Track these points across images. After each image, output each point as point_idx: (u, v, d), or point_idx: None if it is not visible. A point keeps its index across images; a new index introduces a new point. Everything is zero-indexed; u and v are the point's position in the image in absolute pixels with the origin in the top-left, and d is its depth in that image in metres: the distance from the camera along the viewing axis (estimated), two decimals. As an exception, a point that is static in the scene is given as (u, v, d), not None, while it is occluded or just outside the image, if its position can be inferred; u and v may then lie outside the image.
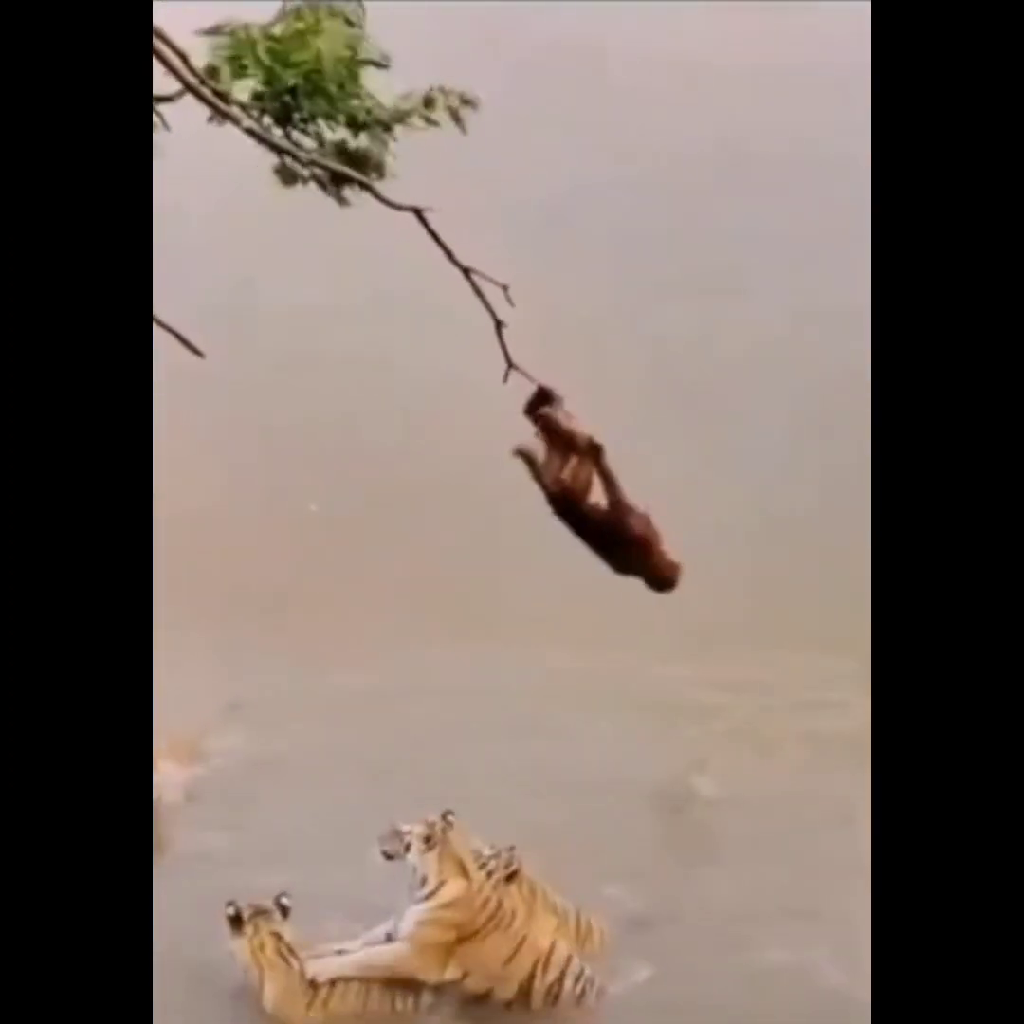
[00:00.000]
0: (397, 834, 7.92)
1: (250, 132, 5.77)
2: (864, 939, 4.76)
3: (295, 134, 5.87)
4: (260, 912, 7.95)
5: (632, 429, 13.41)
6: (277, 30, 5.72)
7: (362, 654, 11.72)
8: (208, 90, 5.69)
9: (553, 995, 7.74)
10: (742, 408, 14.22)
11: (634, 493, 11.83)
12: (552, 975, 7.76)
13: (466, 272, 6.46)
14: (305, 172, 5.86)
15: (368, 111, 5.79)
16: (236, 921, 7.93)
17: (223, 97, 5.71)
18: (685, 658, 11.53)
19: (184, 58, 5.69)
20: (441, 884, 7.81)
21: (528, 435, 10.56)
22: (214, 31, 5.77)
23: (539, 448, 10.38)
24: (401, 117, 5.83)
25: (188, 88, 5.69)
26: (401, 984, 7.80)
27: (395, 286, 12.23)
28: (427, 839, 7.83)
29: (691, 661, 11.53)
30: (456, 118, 5.91)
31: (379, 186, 5.99)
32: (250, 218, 9.53)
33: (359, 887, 8.34)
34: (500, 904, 7.79)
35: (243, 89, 5.74)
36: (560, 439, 10.50)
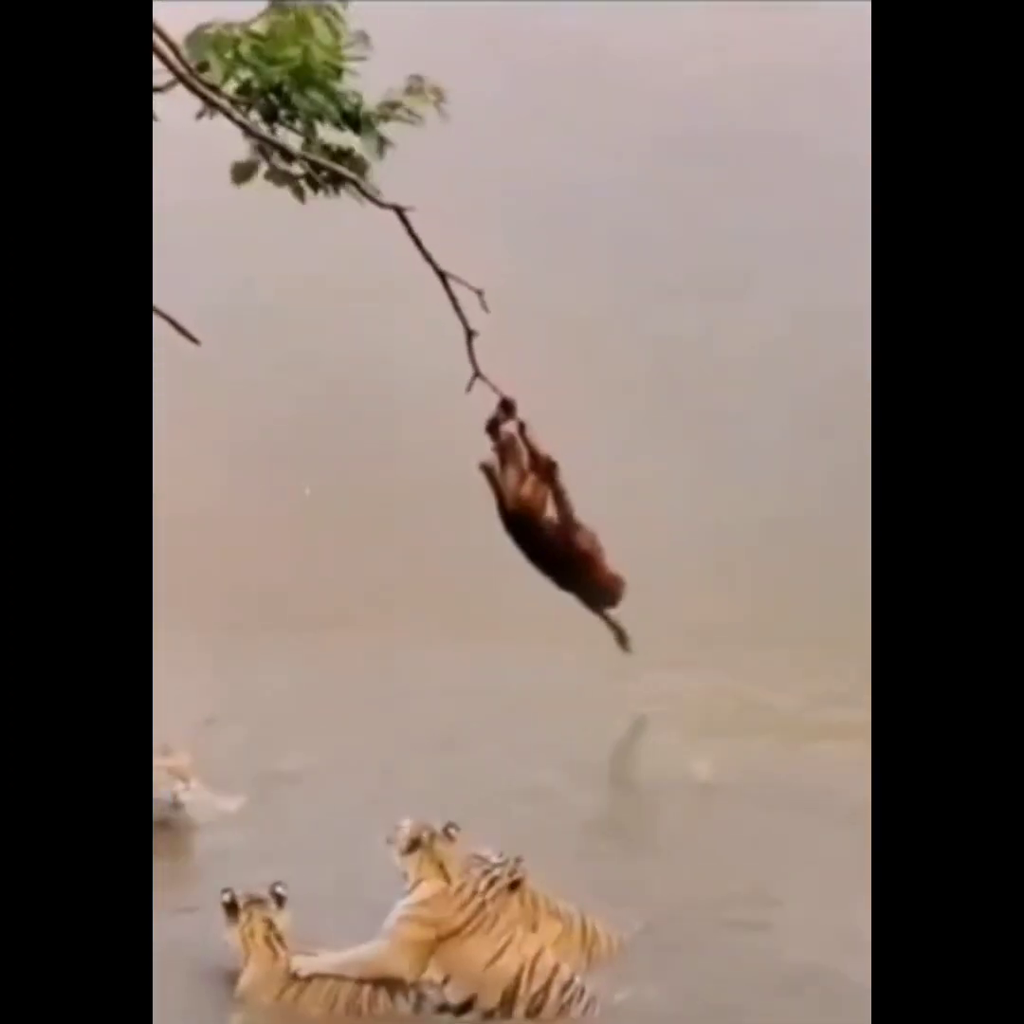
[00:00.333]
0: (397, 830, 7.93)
1: (241, 126, 5.80)
2: (867, 935, 4.76)
3: (280, 131, 5.90)
4: (255, 901, 7.97)
5: (630, 430, 13.48)
6: (260, 28, 5.76)
7: (364, 653, 11.73)
8: (200, 83, 5.72)
9: (537, 1005, 7.63)
10: (742, 409, 14.22)
11: (631, 495, 11.91)
12: (537, 983, 7.60)
13: (442, 276, 6.50)
14: (295, 169, 5.88)
15: (353, 108, 5.82)
16: (232, 908, 7.96)
17: (215, 90, 5.75)
18: (686, 656, 11.51)
19: (176, 49, 5.71)
20: (418, 882, 7.82)
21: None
22: (200, 28, 5.80)
23: (497, 463, 10.56)
24: (384, 114, 5.85)
25: (180, 79, 5.71)
26: (383, 985, 7.78)
27: (390, 282, 12.20)
28: (413, 841, 7.83)
29: (692, 659, 11.51)
30: (438, 109, 5.94)
31: (371, 184, 6.02)
32: (237, 212, 9.50)
33: (363, 887, 8.32)
34: (482, 906, 7.73)
35: (231, 85, 5.77)
36: (518, 456, 10.63)
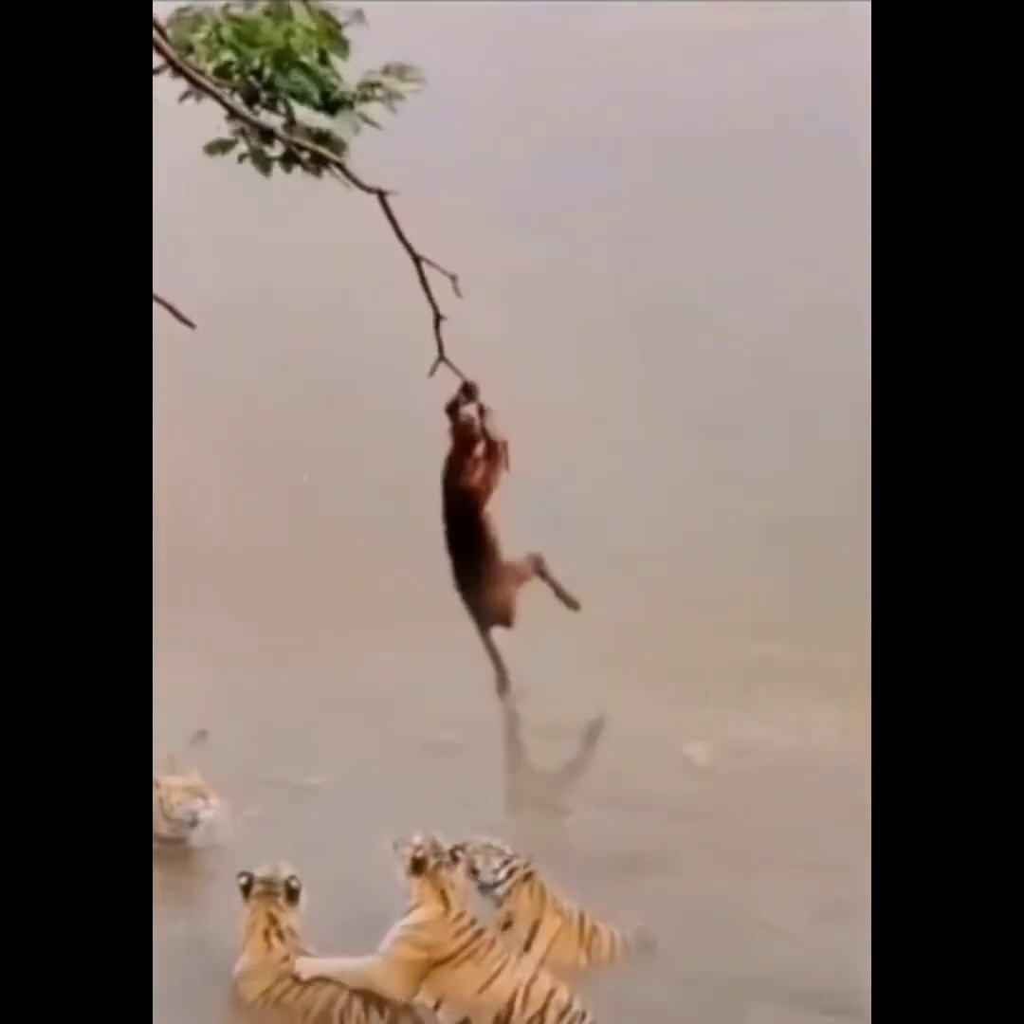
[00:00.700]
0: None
1: (227, 108, 5.82)
2: (867, 925, 4.78)
3: (262, 114, 5.92)
4: (267, 892, 7.99)
5: (624, 421, 13.47)
6: (240, 11, 5.78)
7: (368, 650, 11.72)
8: (189, 66, 5.73)
9: None
10: (730, 403, 14.18)
11: (628, 490, 11.89)
12: (533, 1008, 7.59)
13: (417, 260, 6.50)
14: (274, 150, 5.90)
15: (333, 90, 5.83)
16: (246, 891, 8.01)
17: (202, 73, 5.77)
18: (685, 651, 11.52)
19: (163, 32, 5.72)
20: (417, 905, 7.82)
21: (524, 421, 10.68)
22: (180, 12, 5.82)
23: (449, 446, 10.62)
24: (364, 95, 5.86)
25: (170, 62, 5.72)
26: (367, 998, 7.79)
27: (379, 268, 12.19)
28: (416, 863, 7.83)
29: (692, 653, 11.51)
30: (415, 92, 5.97)
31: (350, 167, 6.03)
32: (228, 201, 9.51)
33: (368, 893, 8.32)
34: (478, 935, 7.73)
35: (214, 66, 5.79)
36: (472, 440, 10.66)
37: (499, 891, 8.13)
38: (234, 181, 6.44)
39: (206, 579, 11.75)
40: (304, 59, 5.72)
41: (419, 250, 6.60)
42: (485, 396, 10.70)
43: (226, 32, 5.71)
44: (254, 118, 5.84)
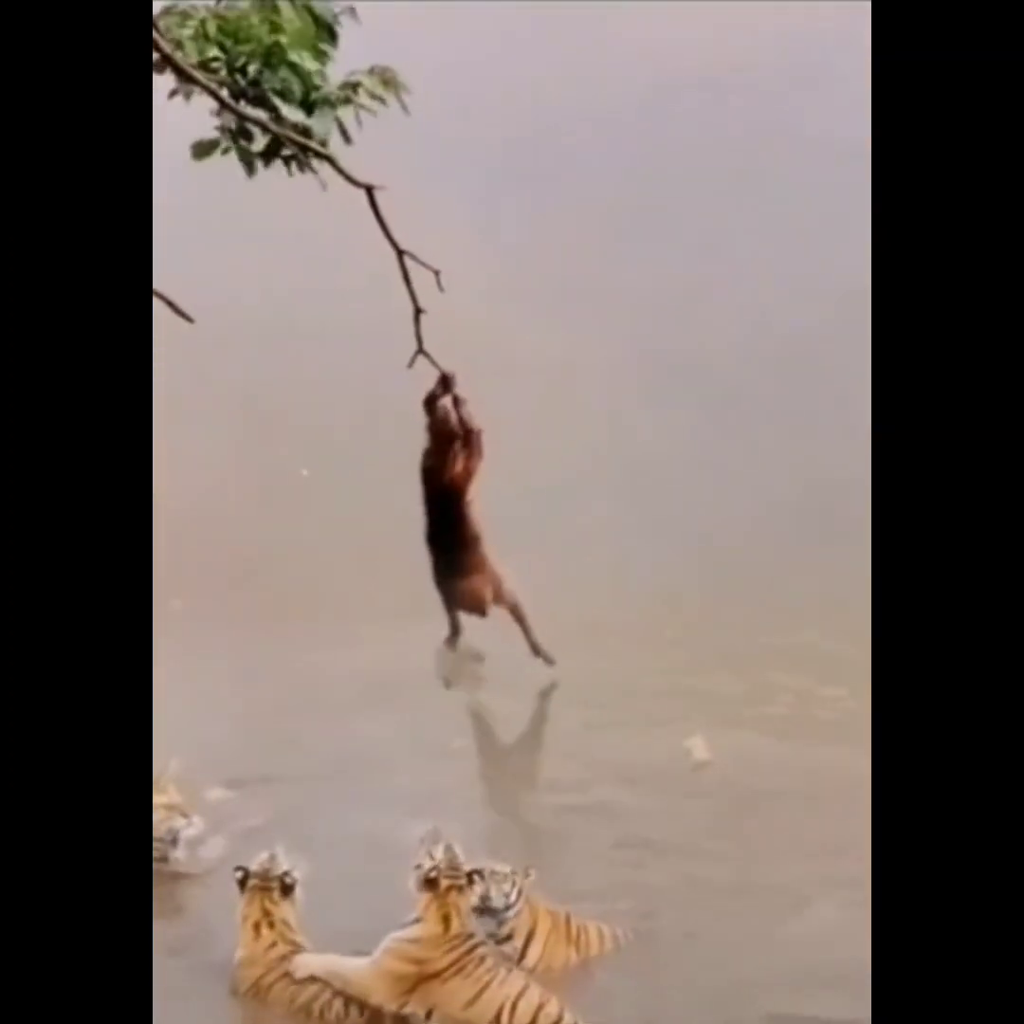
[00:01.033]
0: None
1: (221, 103, 5.82)
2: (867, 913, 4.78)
3: (248, 111, 5.92)
4: (261, 886, 8.03)
5: (619, 407, 13.46)
6: (226, 9, 5.78)
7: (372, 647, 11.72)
8: (182, 62, 5.73)
9: None
10: (725, 393, 14.17)
11: (625, 473, 11.87)
12: (521, 1021, 7.51)
13: (400, 254, 6.51)
14: (257, 146, 5.90)
15: (317, 89, 5.84)
16: (242, 883, 8.06)
17: (194, 69, 5.77)
18: (684, 645, 11.51)
19: (158, 27, 5.72)
20: (417, 920, 7.84)
21: (527, 409, 10.68)
22: (167, 8, 5.83)
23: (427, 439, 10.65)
24: (345, 96, 5.88)
25: (165, 58, 5.71)
26: (353, 998, 7.83)
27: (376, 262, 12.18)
28: (428, 881, 7.83)
29: (691, 647, 11.50)
30: (399, 99, 5.98)
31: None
32: (224, 195, 9.50)
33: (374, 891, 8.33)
34: (470, 951, 7.73)
35: (201, 62, 5.79)
36: (450, 432, 10.68)
37: (509, 914, 8.15)
38: (228, 176, 6.45)
39: (206, 575, 11.74)
40: (291, 57, 5.72)
41: (403, 246, 6.60)
42: (467, 389, 10.74)
43: (212, 28, 5.71)
44: (248, 114, 5.84)
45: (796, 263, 14.69)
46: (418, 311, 6.99)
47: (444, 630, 11.38)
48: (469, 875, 7.80)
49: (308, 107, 5.81)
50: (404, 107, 6.03)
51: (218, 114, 5.89)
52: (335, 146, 6.00)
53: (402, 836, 7.99)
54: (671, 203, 15.43)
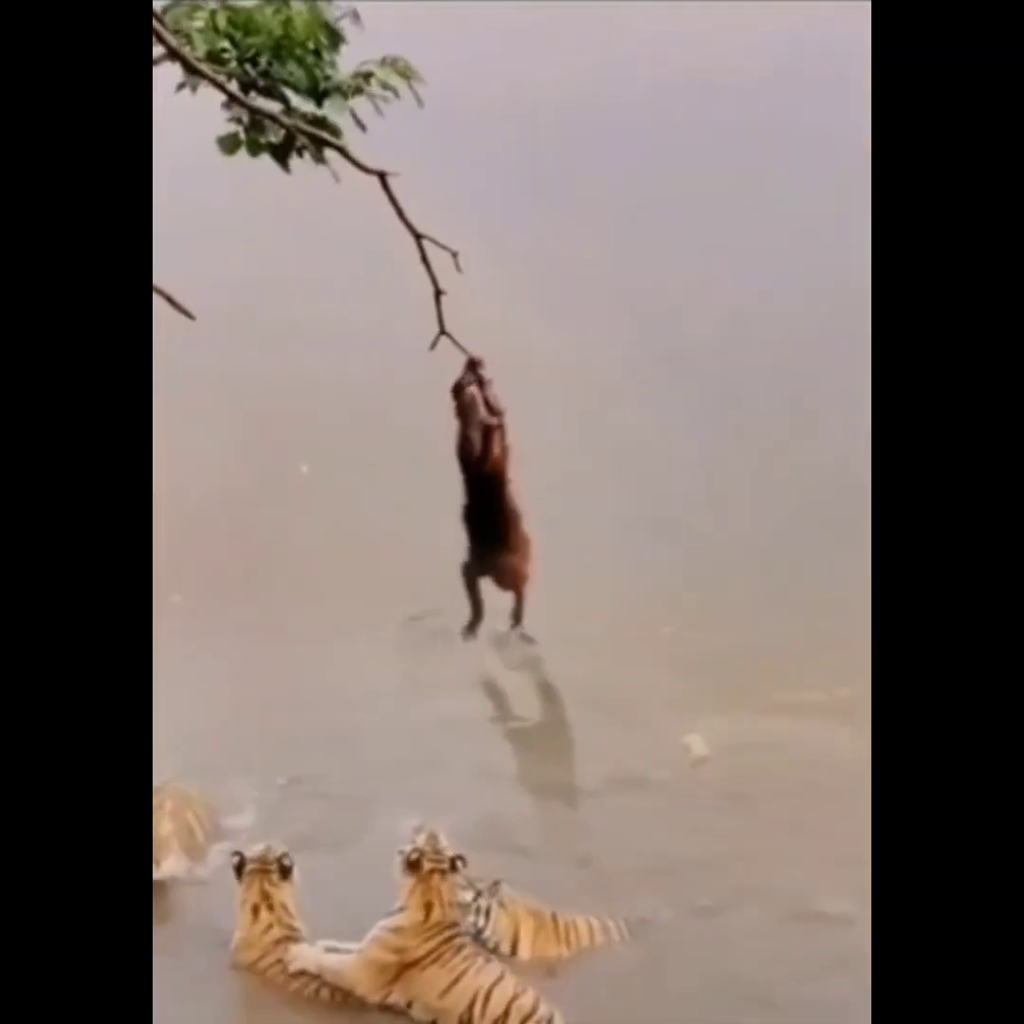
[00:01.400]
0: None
1: (230, 96, 5.82)
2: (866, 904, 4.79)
3: (260, 101, 5.92)
4: (260, 869, 8.15)
5: (616, 399, 13.45)
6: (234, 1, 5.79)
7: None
8: (190, 55, 5.73)
9: None
10: (729, 377, 14.16)
11: (622, 464, 11.86)
12: (494, 1012, 7.65)
13: (418, 238, 6.52)
14: (272, 138, 5.90)
15: (329, 80, 5.84)
16: (239, 869, 8.19)
17: (201, 62, 5.77)
18: (682, 638, 11.50)
19: (162, 21, 5.72)
20: (401, 909, 7.87)
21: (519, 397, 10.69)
22: (175, 2, 5.81)
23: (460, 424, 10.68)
24: (357, 86, 5.87)
25: (170, 51, 5.71)
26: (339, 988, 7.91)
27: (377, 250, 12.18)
28: (410, 863, 7.86)
29: (689, 640, 11.49)
30: (411, 89, 5.97)
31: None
32: (225, 188, 9.51)
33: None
34: (449, 940, 7.80)
35: (210, 54, 5.78)
36: (479, 414, 10.73)
37: (486, 934, 8.20)
38: (226, 172, 6.45)
39: (205, 570, 11.74)
40: (301, 48, 5.72)
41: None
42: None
43: (222, 20, 5.71)
44: (257, 106, 5.84)
45: (797, 263, 14.69)
46: (438, 292, 6.99)
47: (442, 625, 11.41)
48: (452, 860, 7.87)
49: (318, 98, 5.81)
50: (418, 97, 6.02)
51: (227, 107, 5.89)
52: (346, 137, 5.99)
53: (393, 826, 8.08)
54: (673, 202, 15.44)
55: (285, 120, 5.85)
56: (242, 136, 5.96)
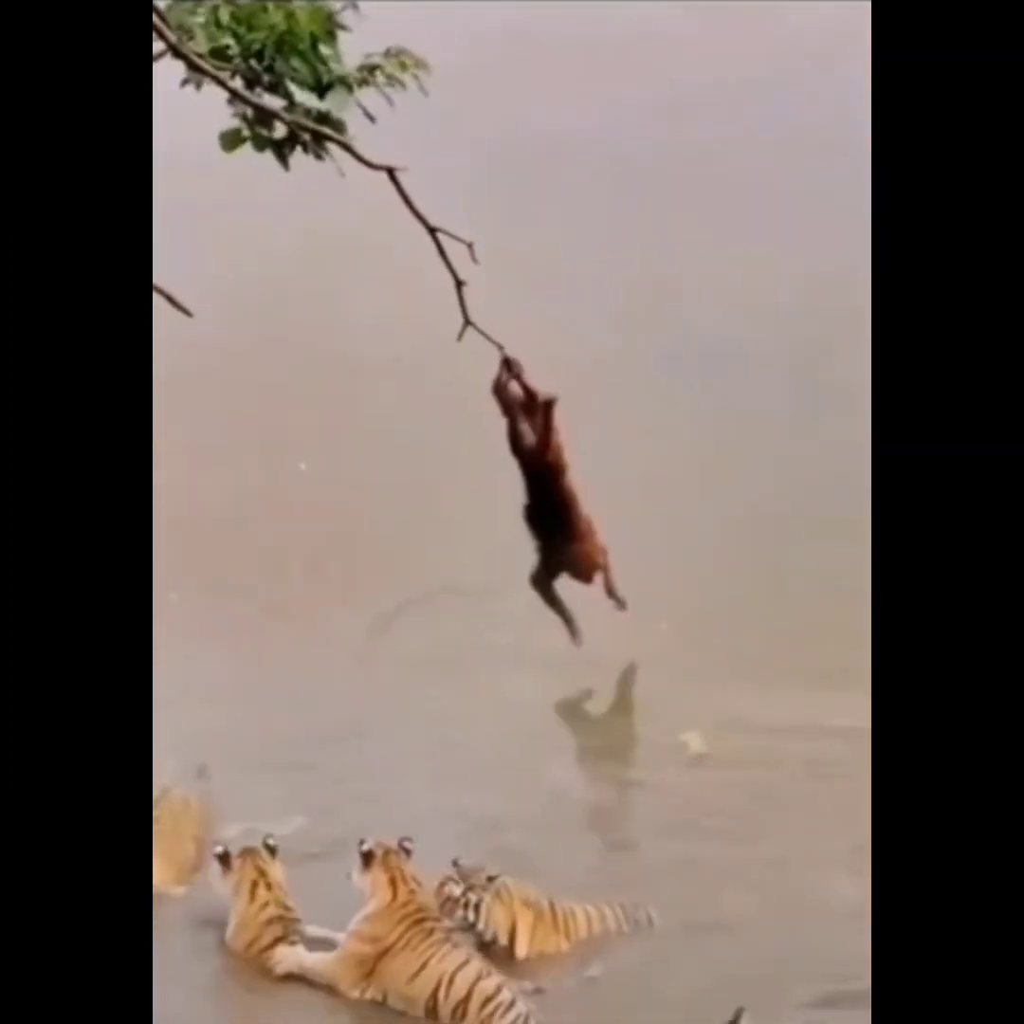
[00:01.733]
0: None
1: (232, 92, 5.80)
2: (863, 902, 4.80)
3: (265, 97, 5.90)
4: (248, 850, 8.25)
5: (616, 395, 13.44)
6: None
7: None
8: (191, 51, 5.71)
9: (459, 1016, 7.67)
10: (740, 370, 14.13)
11: (620, 461, 11.85)
12: (456, 995, 7.68)
13: (432, 231, 6.50)
14: (278, 133, 5.89)
15: (332, 73, 5.83)
16: (224, 859, 8.23)
17: (202, 58, 5.75)
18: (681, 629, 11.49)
19: (162, 17, 5.70)
20: (370, 897, 7.97)
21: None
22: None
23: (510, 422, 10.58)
24: (362, 79, 5.86)
25: (170, 48, 5.70)
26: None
27: (376, 245, 12.18)
28: (365, 857, 7.95)
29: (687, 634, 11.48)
30: (417, 79, 5.96)
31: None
32: (227, 182, 9.50)
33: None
34: (417, 923, 7.85)
35: (213, 50, 5.77)
36: (525, 406, 10.64)
37: (479, 926, 8.22)
38: (226, 169, 6.45)
39: (204, 568, 11.74)
40: (304, 43, 5.70)
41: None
42: (470, 380, 10.76)
43: (224, 16, 5.69)
44: (258, 102, 5.82)
45: (797, 263, 14.69)
46: (460, 283, 6.98)
47: (440, 619, 11.40)
48: (399, 842, 8.02)
49: (322, 92, 5.79)
50: (423, 89, 6.00)
51: (231, 103, 5.87)
52: (353, 130, 5.97)
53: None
54: (672, 202, 15.42)
55: (286, 116, 5.84)
56: (246, 132, 5.93)
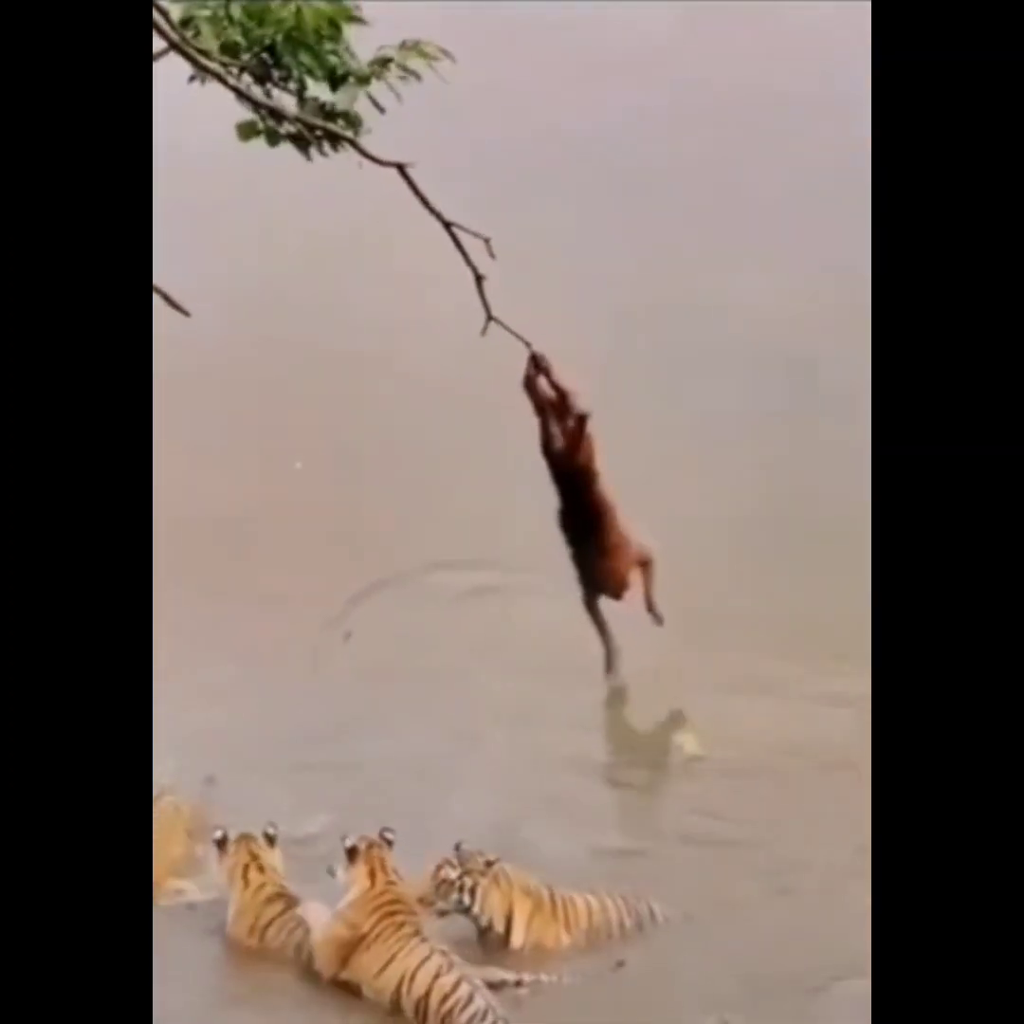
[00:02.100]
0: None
1: (234, 90, 5.79)
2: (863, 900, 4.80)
3: (275, 93, 5.90)
4: (243, 837, 8.32)
5: (616, 392, 13.43)
6: None
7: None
8: (192, 48, 5.70)
9: (421, 1012, 7.70)
10: (735, 369, 14.14)
11: (620, 460, 11.87)
12: (417, 992, 7.72)
13: (447, 226, 6.49)
14: (287, 129, 5.88)
15: (345, 66, 5.82)
16: (221, 844, 8.29)
17: (206, 55, 5.74)
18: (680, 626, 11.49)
19: (166, 14, 5.69)
20: (349, 886, 8.04)
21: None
22: None
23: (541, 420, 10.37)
24: (377, 71, 5.84)
25: (172, 45, 5.69)
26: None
27: (385, 242, 12.18)
28: (350, 852, 8.02)
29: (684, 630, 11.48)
30: (432, 68, 5.94)
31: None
32: (228, 181, 9.51)
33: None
34: (390, 915, 7.91)
35: (223, 45, 5.76)
36: (556, 406, 10.48)
37: (475, 909, 8.22)
38: (225, 167, 6.44)
39: (203, 566, 11.74)
40: (313, 36, 5.69)
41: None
42: (472, 380, 10.65)
43: (236, 11, 5.67)
44: (262, 99, 5.81)
45: (798, 263, 14.69)
46: (479, 278, 6.95)
47: (439, 618, 11.41)
48: (380, 834, 8.08)
49: (334, 84, 5.77)
50: (443, 78, 5.96)
51: (238, 101, 5.86)
52: (367, 124, 5.96)
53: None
54: (672, 204, 15.43)
55: (288, 114, 5.83)
56: (260, 124, 5.92)
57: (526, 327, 8.59)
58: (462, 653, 11.27)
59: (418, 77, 5.93)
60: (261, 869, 8.25)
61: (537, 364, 10.15)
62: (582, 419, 10.37)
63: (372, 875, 7.97)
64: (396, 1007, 7.74)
